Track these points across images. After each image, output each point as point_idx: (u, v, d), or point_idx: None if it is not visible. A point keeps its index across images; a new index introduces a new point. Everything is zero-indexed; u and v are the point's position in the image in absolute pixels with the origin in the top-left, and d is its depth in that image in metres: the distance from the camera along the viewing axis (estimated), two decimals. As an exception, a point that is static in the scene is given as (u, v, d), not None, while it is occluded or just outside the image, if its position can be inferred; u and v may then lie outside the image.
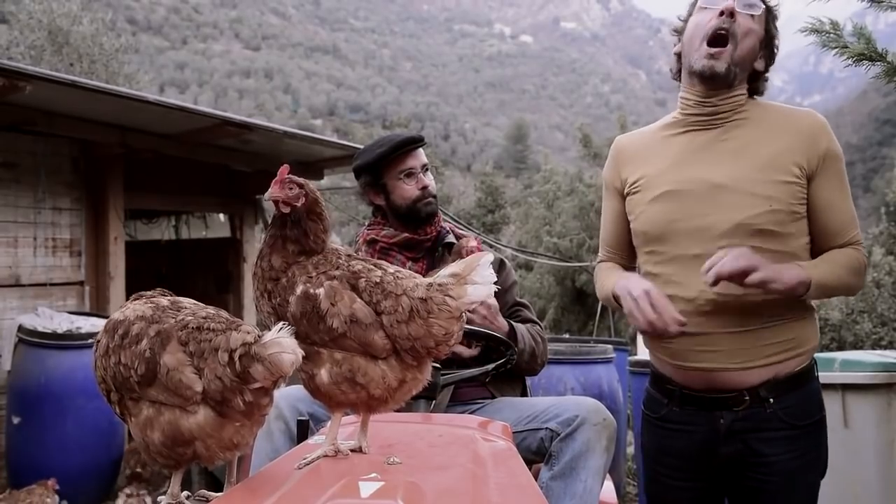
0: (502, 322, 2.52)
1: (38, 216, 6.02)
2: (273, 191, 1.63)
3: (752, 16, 2.09)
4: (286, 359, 1.35)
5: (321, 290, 1.53)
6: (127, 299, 1.61)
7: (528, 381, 2.78)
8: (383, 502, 1.25)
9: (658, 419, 2.28)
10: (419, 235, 2.65)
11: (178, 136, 6.38)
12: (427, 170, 2.70)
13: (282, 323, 1.43)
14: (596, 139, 15.59)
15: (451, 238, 2.71)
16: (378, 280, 1.55)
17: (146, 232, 9.45)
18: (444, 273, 1.54)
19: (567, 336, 10.89)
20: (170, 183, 7.22)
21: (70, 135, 6.04)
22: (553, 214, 15.31)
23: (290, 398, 2.30)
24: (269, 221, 1.70)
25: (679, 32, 2.24)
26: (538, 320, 2.76)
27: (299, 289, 1.54)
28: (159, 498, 1.55)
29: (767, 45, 2.17)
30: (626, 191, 2.28)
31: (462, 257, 2.34)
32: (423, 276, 1.63)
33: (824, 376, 3.74)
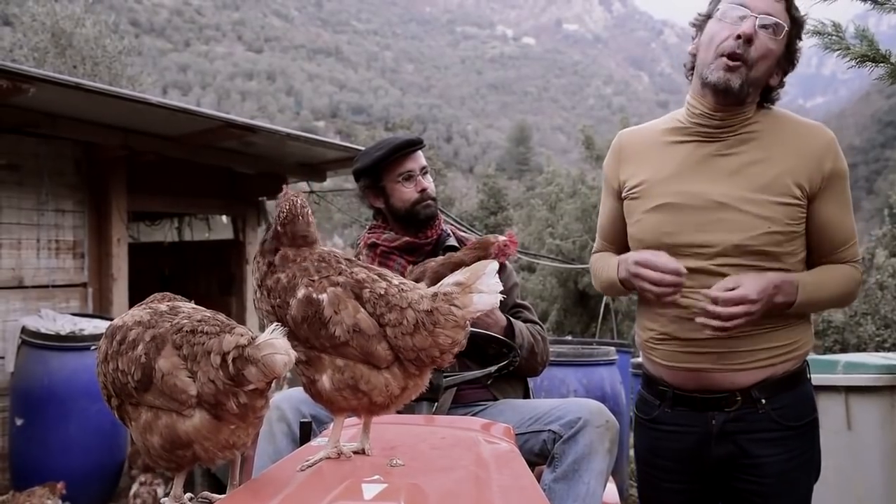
0: (500, 316, 2.52)
1: (42, 218, 6.03)
2: None
3: (774, 37, 2.03)
4: (279, 360, 1.34)
5: (324, 297, 1.52)
6: (130, 301, 1.62)
7: (531, 382, 2.78)
8: (386, 504, 1.25)
9: (650, 421, 2.28)
10: (420, 239, 2.65)
11: (181, 138, 6.38)
12: (426, 172, 2.70)
13: (275, 324, 1.43)
14: (598, 141, 15.54)
15: (452, 241, 2.71)
16: (382, 292, 1.54)
17: (149, 234, 9.47)
18: (448, 281, 1.53)
19: (570, 338, 10.86)
20: (173, 185, 7.24)
21: (73, 137, 6.06)
22: (556, 216, 15.27)
23: (292, 400, 2.30)
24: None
25: (698, 27, 2.16)
26: (539, 321, 2.76)
27: (301, 292, 1.53)
28: (163, 500, 1.55)
29: (787, 58, 2.11)
30: (624, 194, 2.26)
31: (486, 251, 2.34)
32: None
33: (828, 379, 3.75)
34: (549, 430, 2.22)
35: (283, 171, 7.71)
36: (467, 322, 1.52)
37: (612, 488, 2.58)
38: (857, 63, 2.58)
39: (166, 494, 1.58)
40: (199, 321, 1.47)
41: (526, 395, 2.70)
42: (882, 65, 2.56)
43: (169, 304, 1.60)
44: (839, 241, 2.10)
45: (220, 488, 1.80)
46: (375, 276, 1.58)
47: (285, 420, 2.27)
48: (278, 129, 6.75)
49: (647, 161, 2.21)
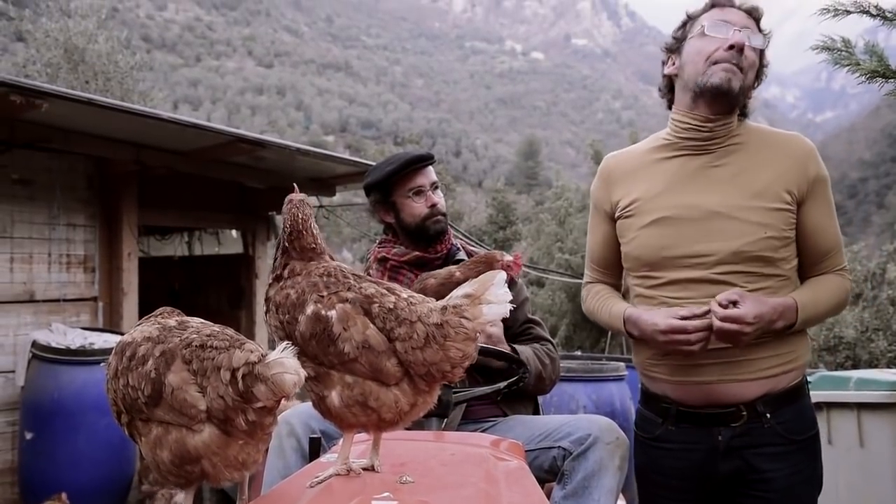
0: (505, 348, 2.50)
1: (53, 232, 6.06)
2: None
3: (754, 48, 2.11)
4: (288, 379, 1.34)
5: (333, 313, 1.52)
6: (140, 315, 1.63)
7: (540, 398, 2.77)
8: (396, 521, 1.24)
9: (652, 440, 2.27)
10: (429, 254, 2.65)
11: (192, 152, 6.42)
12: (437, 187, 2.70)
13: (286, 343, 1.42)
14: (607, 155, 15.58)
15: (461, 255, 2.71)
16: (392, 306, 1.53)
17: (159, 248, 9.50)
18: (457, 294, 1.52)
19: (579, 353, 10.83)
20: (183, 199, 7.27)
21: (85, 152, 6.09)
22: (565, 231, 15.29)
23: (302, 416, 2.30)
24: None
25: (671, 52, 2.24)
26: (550, 337, 2.75)
27: (310, 308, 1.53)
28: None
29: (758, 73, 2.19)
30: (617, 214, 2.27)
31: (491, 267, 2.34)
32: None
33: (840, 395, 3.72)
34: (559, 446, 2.20)
35: (292, 185, 7.71)
36: (478, 334, 1.51)
37: (622, 505, 2.56)
38: (867, 79, 2.57)
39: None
40: (209, 336, 1.47)
41: (535, 411, 2.69)
42: (892, 80, 2.56)
43: (177, 318, 1.61)
44: (826, 248, 2.15)
45: (229, 504, 1.80)
46: (384, 291, 1.57)
47: (295, 435, 2.27)
48: (288, 144, 6.77)
49: (638, 180, 2.24)
